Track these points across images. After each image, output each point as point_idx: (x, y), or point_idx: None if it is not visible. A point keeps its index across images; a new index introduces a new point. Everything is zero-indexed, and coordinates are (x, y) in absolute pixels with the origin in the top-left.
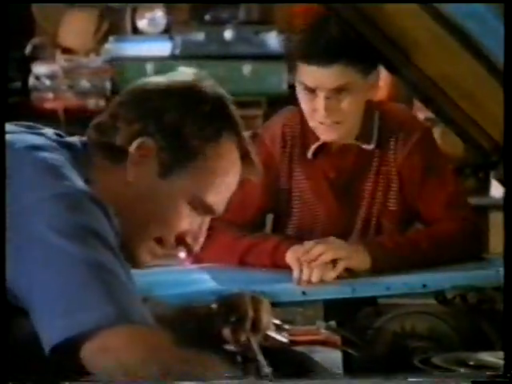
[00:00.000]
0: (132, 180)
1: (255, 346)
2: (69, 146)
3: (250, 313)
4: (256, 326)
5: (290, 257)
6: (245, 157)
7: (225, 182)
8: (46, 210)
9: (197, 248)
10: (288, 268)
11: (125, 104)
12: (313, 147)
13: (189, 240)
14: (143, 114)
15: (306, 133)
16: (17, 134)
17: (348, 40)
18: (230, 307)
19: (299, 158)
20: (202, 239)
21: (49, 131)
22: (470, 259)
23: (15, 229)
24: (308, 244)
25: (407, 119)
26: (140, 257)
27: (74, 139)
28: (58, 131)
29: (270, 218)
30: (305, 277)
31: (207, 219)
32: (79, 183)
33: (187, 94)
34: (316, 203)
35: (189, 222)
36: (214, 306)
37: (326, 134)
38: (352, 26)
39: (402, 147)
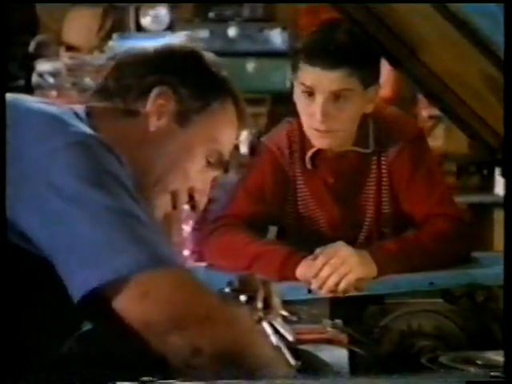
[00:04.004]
0: (153, 129)
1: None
2: (74, 112)
3: (261, 291)
4: (268, 305)
5: (302, 275)
6: (240, 113)
7: (231, 133)
8: (63, 158)
9: (202, 207)
10: (296, 280)
11: (128, 64)
12: (308, 154)
13: (197, 197)
14: (154, 67)
15: (304, 141)
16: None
17: (355, 48)
18: (241, 287)
19: (300, 165)
20: (206, 199)
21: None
22: (460, 258)
23: (28, 181)
24: (318, 261)
25: (399, 121)
26: (154, 210)
27: (78, 106)
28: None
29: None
30: (324, 291)
31: (211, 178)
32: (91, 132)
33: (189, 51)
34: (318, 210)
35: (202, 177)
36: (227, 290)
37: (319, 141)
38: (358, 22)
39: (392, 149)
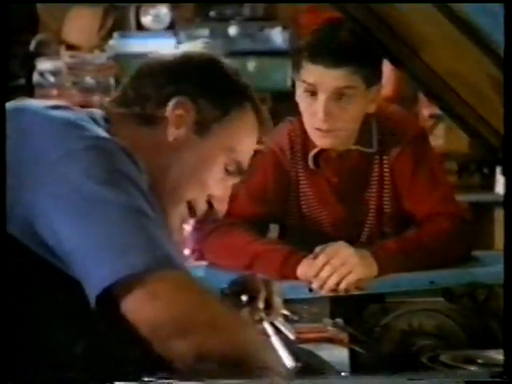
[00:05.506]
0: (171, 139)
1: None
2: (91, 117)
3: (263, 291)
4: (269, 304)
5: (303, 275)
6: (261, 119)
7: (250, 141)
8: (80, 160)
9: (221, 214)
10: (297, 280)
11: (147, 73)
12: (311, 154)
13: (216, 205)
14: (172, 77)
15: (306, 140)
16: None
17: (358, 47)
18: (242, 288)
19: (302, 165)
20: (225, 206)
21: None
22: (461, 257)
23: (45, 184)
24: (319, 261)
25: (401, 120)
26: (171, 220)
27: (96, 111)
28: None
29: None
30: (324, 291)
31: (230, 184)
32: (109, 136)
33: (208, 59)
34: (321, 209)
35: (221, 186)
36: (226, 290)
37: (321, 141)
38: (359, 22)
39: (395, 148)
